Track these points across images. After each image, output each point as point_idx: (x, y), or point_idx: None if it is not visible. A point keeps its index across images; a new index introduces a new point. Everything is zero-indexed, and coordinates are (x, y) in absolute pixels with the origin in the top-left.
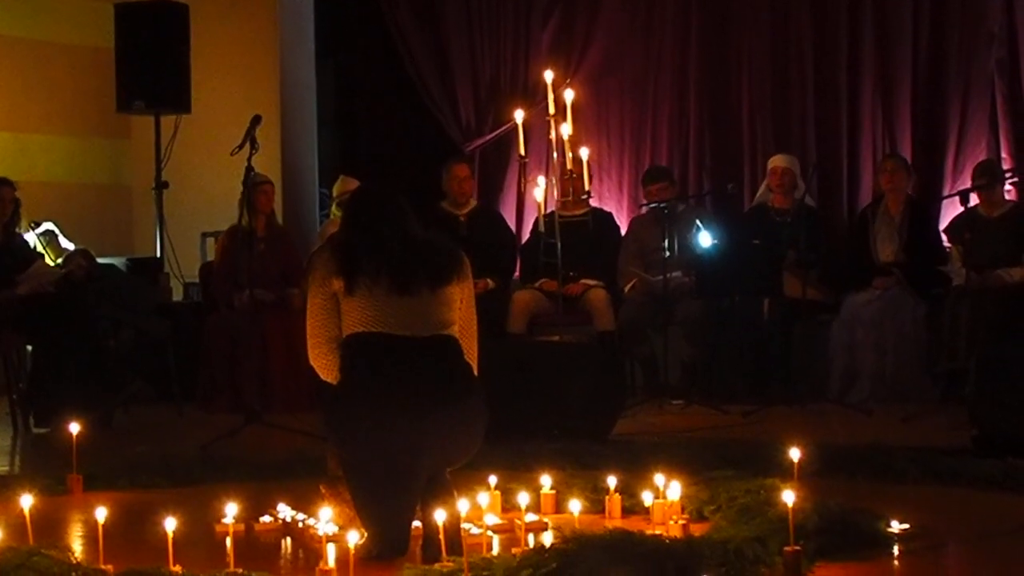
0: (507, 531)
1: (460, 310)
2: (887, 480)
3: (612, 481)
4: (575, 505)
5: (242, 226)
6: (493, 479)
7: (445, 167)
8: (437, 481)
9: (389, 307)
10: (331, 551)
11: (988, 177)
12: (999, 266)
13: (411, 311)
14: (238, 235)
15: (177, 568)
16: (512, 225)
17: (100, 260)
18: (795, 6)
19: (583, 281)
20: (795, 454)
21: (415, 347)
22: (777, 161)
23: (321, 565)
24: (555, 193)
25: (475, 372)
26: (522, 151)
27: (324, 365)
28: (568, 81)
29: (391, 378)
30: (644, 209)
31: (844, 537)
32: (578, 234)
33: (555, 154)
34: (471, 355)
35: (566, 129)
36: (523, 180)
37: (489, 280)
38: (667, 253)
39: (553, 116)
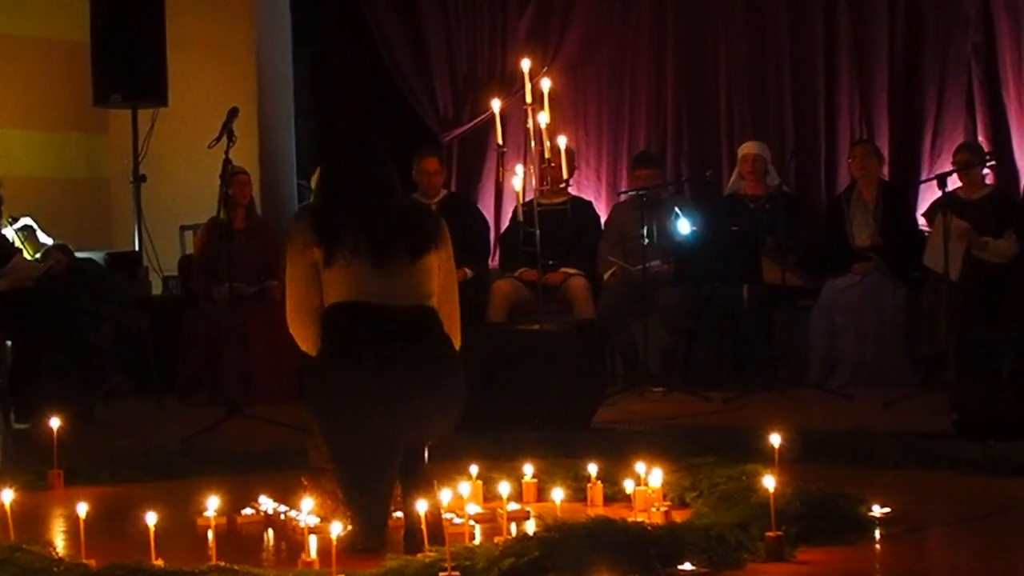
0: (489, 520)
1: (439, 277)
2: (868, 465)
3: (593, 469)
4: (557, 493)
5: (220, 219)
6: (474, 468)
7: (415, 160)
8: (416, 466)
9: (369, 278)
10: (313, 542)
11: (969, 154)
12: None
13: (391, 282)
14: (217, 228)
15: (159, 562)
16: (491, 214)
17: (78, 254)
18: None
19: (563, 269)
20: (776, 440)
21: (395, 317)
22: (747, 148)
23: (303, 556)
24: (533, 182)
25: (456, 342)
26: (500, 140)
27: (304, 336)
28: (545, 70)
29: (370, 348)
30: (624, 197)
31: (826, 522)
32: (557, 222)
33: (533, 143)
34: (453, 323)
35: (544, 118)
36: (501, 169)
37: (467, 269)
38: (646, 241)
39: (531, 105)
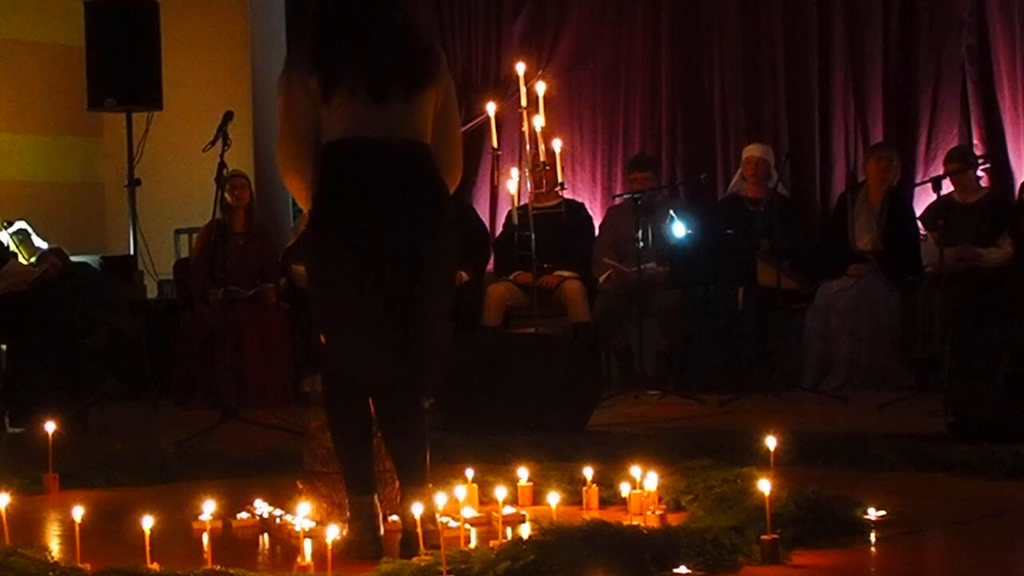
0: (485, 524)
1: (436, 110)
2: (863, 467)
3: (589, 472)
4: (552, 497)
5: (217, 222)
6: (470, 472)
7: None
8: (416, 462)
9: (366, 113)
10: (308, 547)
11: (960, 162)
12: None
13: (387, 116)
14: (214, 231)
15: (155, 566)
16: (486, 218)
17: (73, 258)
18: None
19: (558, 273)
20: (771, 442)
21: (390, 154)
22: (752, 151)
23: (299, 561)
24: (528, 185)
25: (454, 179)
26: (495, 143)
27: (296, 171)
28: (540, 73)
29: (366, 182)
30: (619, 200)
31: (821, 524)
32: (552, 226)
33: (528, 146)
34: (453, 158)
35: (538, 121)
36: (496, 173)
37: (463, 273)
38: (641, 244)
39: (525, 108)
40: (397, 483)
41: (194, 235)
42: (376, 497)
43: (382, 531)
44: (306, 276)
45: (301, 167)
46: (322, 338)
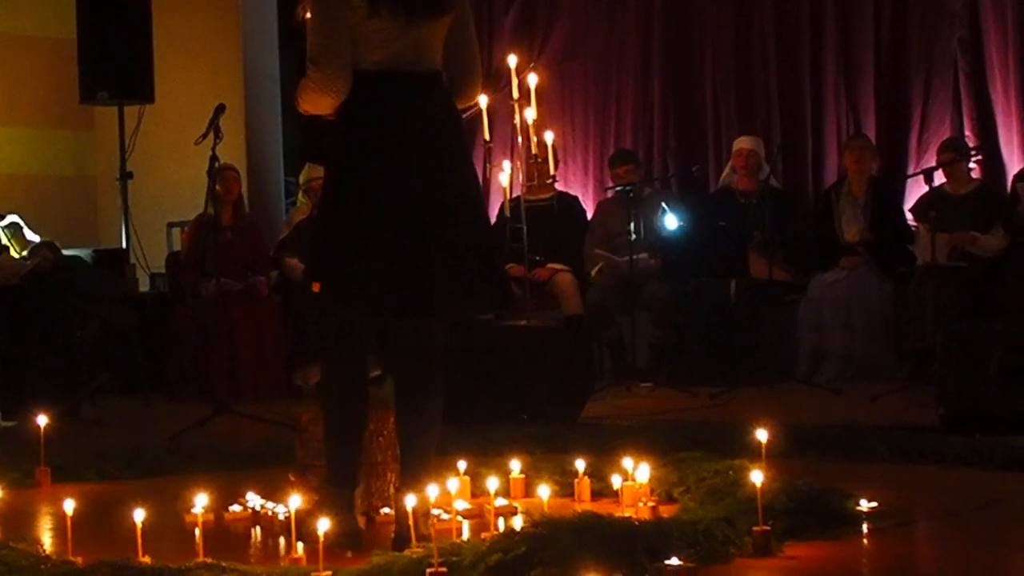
0: (477, 516)
1: (453, 32)
2: (855, 459)
3: (581, 464)
4: (544, 489)
5: (208, 215)
6: (462, 464)
7: None
8: (421, 452)
9: (400, 39)
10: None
11: (954, 153)
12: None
13: (418, 41)
14: (205, 224)
15: (146, 559)
16: None
17: (66, 252)
18: None
19: (550, 265)
20: (763, 435)
21: (417, 86)
22: (742, 143)
23: (291, 553)
24: (520, 178)
25: (476, 91)
26: (487, 136)
27: (337, 93)
28: (532, 65)
29: (395, 121)
30: (610, 193)
31: (813, 516)
32: (544, 218)
33: (520, 139)
34: (475, 71)
35: (530, 113)
36: (488, 165)
37: None
38: (633, 236)
39: (517, 101)
40: (389, 475)
41: (186, 228)
42: (355, 492)
43: (361, 524)
44: (320, 206)
45: (343, 87)
46: (314, 286)
